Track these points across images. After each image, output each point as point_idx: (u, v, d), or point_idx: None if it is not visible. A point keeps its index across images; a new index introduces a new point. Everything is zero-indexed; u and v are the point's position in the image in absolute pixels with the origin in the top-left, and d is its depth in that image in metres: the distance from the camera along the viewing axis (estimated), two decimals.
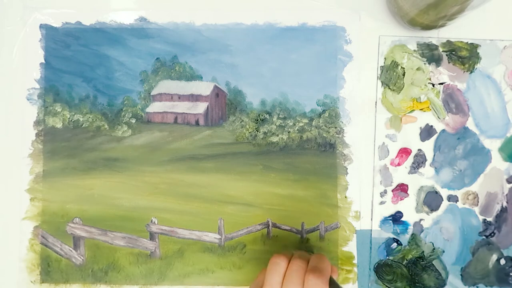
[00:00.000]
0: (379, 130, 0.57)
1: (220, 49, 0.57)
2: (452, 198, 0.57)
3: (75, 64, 0.58)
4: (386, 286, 0.56)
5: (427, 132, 0.57)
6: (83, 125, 0.58)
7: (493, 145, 0.57)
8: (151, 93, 0.58)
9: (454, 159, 0.57)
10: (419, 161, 0.57)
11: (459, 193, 0.57)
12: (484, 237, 0.56)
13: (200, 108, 0.59)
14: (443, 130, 0.57)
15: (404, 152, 0.57)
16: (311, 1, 0.57)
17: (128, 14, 0.58)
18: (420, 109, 0.57)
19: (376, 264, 0.56)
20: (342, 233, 0.56)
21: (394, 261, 0.56)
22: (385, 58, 0.57)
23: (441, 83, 0.57)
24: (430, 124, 0.57)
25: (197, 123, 0.59)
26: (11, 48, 0.57)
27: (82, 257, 0.56)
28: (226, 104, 0.58)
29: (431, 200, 0.57)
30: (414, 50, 0.57)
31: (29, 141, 0.57)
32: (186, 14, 0.57)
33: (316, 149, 0.57)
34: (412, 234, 0.56)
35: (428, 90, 0.57)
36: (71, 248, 0.56)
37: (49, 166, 0.57)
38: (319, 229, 0.56)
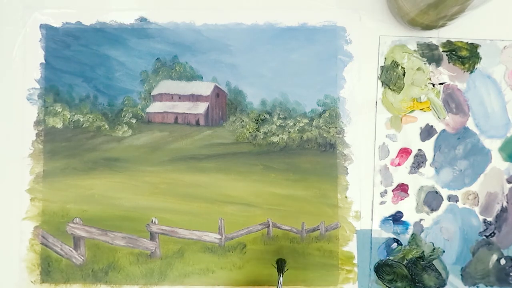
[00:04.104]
0: (379, 130, 0.57)
1: (221, 49, 0.57)
2: (452, 198, 0.57)
3: (75, 64, 0.58)
4: (386, 286, 0.56)
5: (427, 132, 0.57)
6: (84, 125, 0.58)
7: (493, 145, 0.57)
8: (152, 93, 0.58)
9: (454, 159, 0.57)
10: (419, 161, 0.57)
11: (459, 193, 0.57)
12: (484, 237, 0.56)
13: (201, 108, 0.59)
14: (443, 130, 0.57)
15: (404, 152, 0.57)
16: (311, 1, 0.57)
17: (128, 14, 0.57)
18: (420, 109, 0.57)
19: (376, 264, 0.56)
20: (342, 233, 0.56)
21: (394, 261, 0.56)
22: (385, 58, 0.57)
23: (441, 83, 0.57)
24: (430, 124, 0.57)
25: (197, 123, 0.59)
26: (11, 48, 0.57)
27: (82, 257, 0.56)
28: (226, 104, 0.58)
29: (431, 200, 0.57)
30: (414, 50, 0.57)
31: (29, 141, 0.57)
32: (186, 14, 0.57)
33: (316, 149, 0.57)
34: (412, 234, 0.56)
35: (428, 90, 0.57)
36: (71, 248, 0.56)
37: (50, 166, 0.57)
38: (319, 229, 0.56)
